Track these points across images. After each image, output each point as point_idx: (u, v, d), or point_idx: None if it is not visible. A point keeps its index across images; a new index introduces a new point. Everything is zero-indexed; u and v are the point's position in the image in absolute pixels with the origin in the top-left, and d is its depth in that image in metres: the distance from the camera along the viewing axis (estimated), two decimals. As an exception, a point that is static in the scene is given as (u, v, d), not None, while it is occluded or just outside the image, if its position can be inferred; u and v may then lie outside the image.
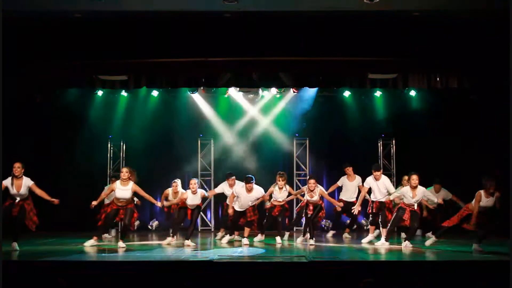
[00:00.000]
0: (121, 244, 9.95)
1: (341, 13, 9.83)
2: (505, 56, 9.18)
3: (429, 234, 11.66)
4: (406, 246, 9.90)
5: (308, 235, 10.75)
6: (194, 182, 10.53)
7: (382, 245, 10.15)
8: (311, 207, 10.83)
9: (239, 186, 10.97)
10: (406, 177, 10.94)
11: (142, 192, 10.09)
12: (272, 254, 9.14)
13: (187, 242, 10.25)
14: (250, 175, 10.74)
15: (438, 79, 11.28)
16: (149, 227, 13.86)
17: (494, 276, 7.10)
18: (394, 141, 14.24)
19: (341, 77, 11.66)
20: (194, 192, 10.42)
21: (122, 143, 14.20)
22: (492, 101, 11.97)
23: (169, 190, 11.65)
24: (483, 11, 9.64)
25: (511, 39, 8.69)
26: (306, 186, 10.95)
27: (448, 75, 11.22)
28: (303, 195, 11.03)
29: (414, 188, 10.04)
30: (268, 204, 11.27)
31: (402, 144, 14.02)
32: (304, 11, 9.77)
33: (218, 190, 12.15)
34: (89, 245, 9.97)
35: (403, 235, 11.49)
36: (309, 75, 11.59)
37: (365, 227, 13.43)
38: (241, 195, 10.58)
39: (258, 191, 10.64)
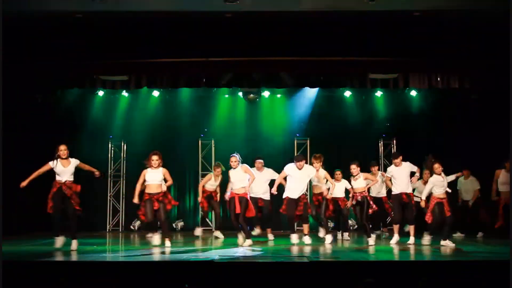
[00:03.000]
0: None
1: (342, 13, 9.82)
2: (505, 56, 9.18)
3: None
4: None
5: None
6: (235, 158, 10.13)
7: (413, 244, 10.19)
8: (358, 198, 10.41)
9: (288, 166, 10.44)
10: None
11: None
12: (272, 254, 9.13)
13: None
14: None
15: (439, 79, 11.32)
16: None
17: (494, 276, 7.09)
18: (394, 141, 14.26)
19: (342, 77, 11.71)
20: (235, 167, 10.06)
21: (123, 143, 14.22)
22: (493, 101, 11.97)
23: (211, 175, 11.83)
24: (483, 11, 9.63)
25: (511, 39, 8.68)
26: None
27: (449, 75, 11.24)
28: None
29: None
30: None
31: (403, 144, 14.01)
32: (305, 11, 9.76)
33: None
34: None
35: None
36: (310, 75, 11.64)
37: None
38: (294, 172, 10.24)
39: (310, 167, 10.39)
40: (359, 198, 10.30)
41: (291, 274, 7.48)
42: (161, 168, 9.88)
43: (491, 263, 7.87)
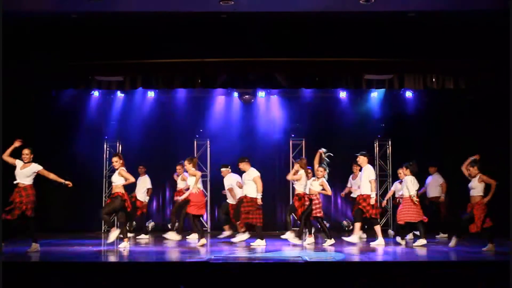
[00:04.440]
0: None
1: (337, 13, 9.84)
2: (502, 56, 9.20)
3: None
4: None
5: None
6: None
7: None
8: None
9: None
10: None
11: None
12: (268, 254, 9.11)
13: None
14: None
15: (434, 79, 11.33)
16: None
17: (494, 276, 7.09)
18: (390, 142, 14.26)
19: (337, 78, 11.70)
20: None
21: (118, 144, 14.18)
22: (489, 101, 12.00)
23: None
24: (478, 11, 9.65)
25: (511, 39, 8.67)
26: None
27: (444, 76, 11.25)
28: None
29: None
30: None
31: (398, 145, 14.02)
32: (300, 12, 9.77)
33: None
34: None
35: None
36: (305, 75, 11.62)
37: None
38: None
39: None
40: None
41: (287, 274, 7.48)
42: (118, 169, 9.85)
43: (491, 263, 7.88)
